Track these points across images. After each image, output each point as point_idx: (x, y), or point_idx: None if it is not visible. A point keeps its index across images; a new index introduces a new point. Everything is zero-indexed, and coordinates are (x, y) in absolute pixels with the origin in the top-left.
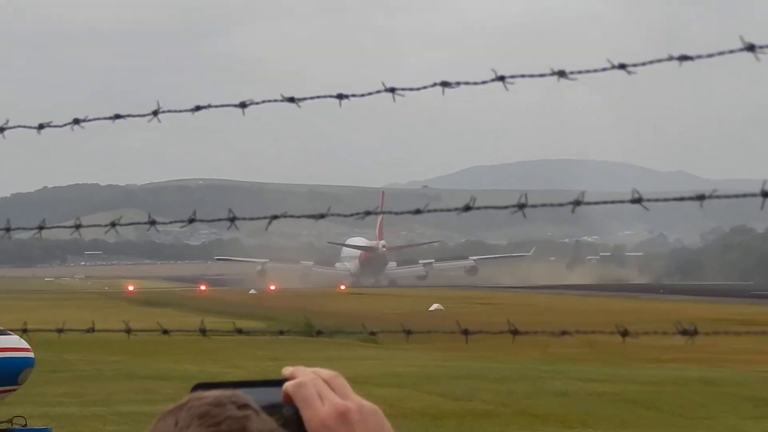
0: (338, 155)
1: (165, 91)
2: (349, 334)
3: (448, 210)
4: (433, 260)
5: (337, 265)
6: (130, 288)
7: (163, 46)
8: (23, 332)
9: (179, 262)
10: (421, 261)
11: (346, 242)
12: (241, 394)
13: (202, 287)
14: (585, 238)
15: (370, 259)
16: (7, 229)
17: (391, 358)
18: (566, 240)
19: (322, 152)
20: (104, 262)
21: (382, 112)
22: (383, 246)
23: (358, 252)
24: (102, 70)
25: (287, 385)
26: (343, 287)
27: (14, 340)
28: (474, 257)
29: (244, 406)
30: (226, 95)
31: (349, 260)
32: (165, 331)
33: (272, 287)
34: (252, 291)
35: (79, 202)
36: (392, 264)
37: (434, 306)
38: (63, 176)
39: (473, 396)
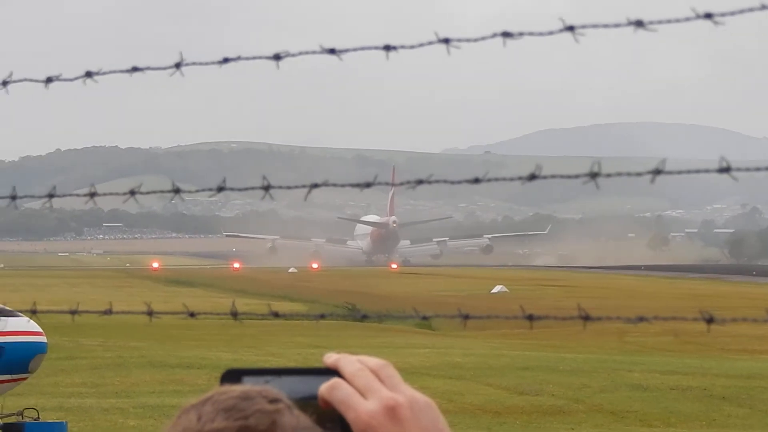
0: (388, 116)
1: (191, 41)
2: (400, 319)
3: (512, 179)
4: (447, 238)
5: (349, 242)
6: (155, 265)
7: None
8: (32, 313)
9: (210, 236)
10: (434, 239)
11: (360, 219)
12: (272, 388)
13: (236, 265)
14: (668, 212)
15: (382, 236)
16: (13, 197)
17: (449, 346)
18: (647, 214)
19: (369, 113)
20: (125, 236)
21: (436, 67)
22: (394, 222)
23: (370, 229)
24: (118, 14)
25: (321, 389)
26: (394, 266)
27: (24, 323)
28: (488, 235)
29: (275, 400)
30: (261, 46)
31: (361, 238)
32: (192, 314)
33: (314, 266)
34: (292, 269)
35: (96, 166)
36: (405, 242)
37: (497, 288)
38: (78, 138)
39: (541, 390)
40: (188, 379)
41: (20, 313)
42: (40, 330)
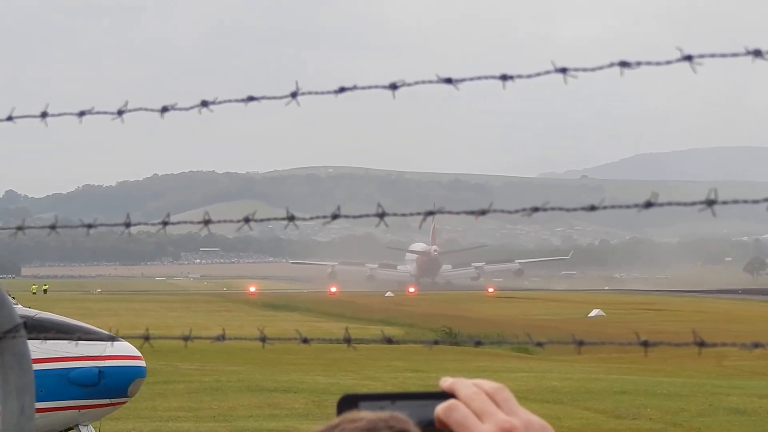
0: (485, 140)
1: (297, 65)
2: (505, 344)
3: (628, 206)
4: (484, 263)
5: (399, 267)
6: (251, 289)
7: (296, 11)
8: (145, 340)
9: (306, 260)
10: (473, 264)
11: (408, 248)
12: (401, 416)
13: (333, 289)
14: (765, 236)
15: (425, 262)
16: (127, 225)
17: (546, 370)
18: (744, 238)
19: (467, 137)
20: (222, 260)
21: (535, 92)
22: (435, 250)
23: (416, 255)
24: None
25: (438, 409)
26: (491, 290)
27: (124, 347)
28: (520, 260)
29: None
30: (375, 73)
31: (409, 263)
32: (305, 340)
33: (411, 289)
34: (389, 294)
35: (193, 191)
36: (447, 266)
37: (594, 312)
38: (174, 163)
39: (639, 414)
40: (286, 403)
41: (121, 338)
42: (140, 354)
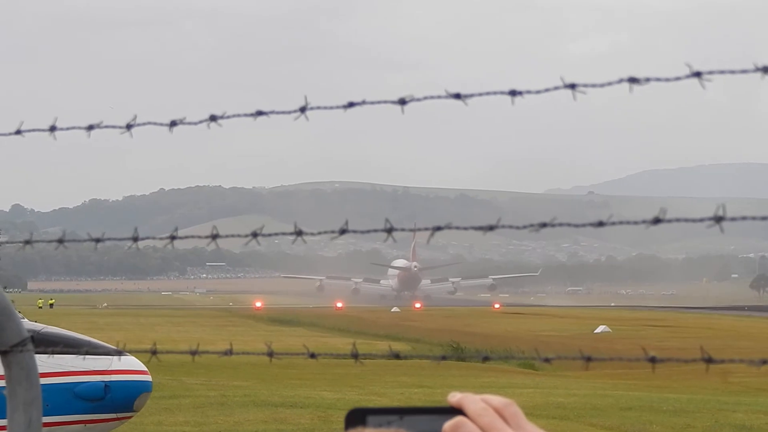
0: (491, 156)
1: (303, 78)
2: (512, 359)
3: (636, 223)
4: (460, 278)
5: (382, 281)
6: (258, 304)
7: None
8: (152, 354)
9: (312, 276)
10: (450, 279)
11: (391, 264)
12: None
13: (339, 304)
14: None
15: (406, 277)
16: (135, 239)
17: (552, 386)
18: (750, 255)
19: (472, 153)
20: (228, 275)
21: (540, 108)
22: (415, 267)
23: (398, 271)
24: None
25: (445, 426)
26: (497, 305)
27: (131, 362)
28: (493, 276)
29: None
30: (381, 87)
31: (391, 278)
32: (312, 355)
33: (417, 305)
34: (395, 309)
35: (200, 206)
36: (426, 281)
37: (601, 328)
38: (181, 178)
39: (645, 430)
40: (291, 418)
41: (127, 353)
42: (146, 369)
